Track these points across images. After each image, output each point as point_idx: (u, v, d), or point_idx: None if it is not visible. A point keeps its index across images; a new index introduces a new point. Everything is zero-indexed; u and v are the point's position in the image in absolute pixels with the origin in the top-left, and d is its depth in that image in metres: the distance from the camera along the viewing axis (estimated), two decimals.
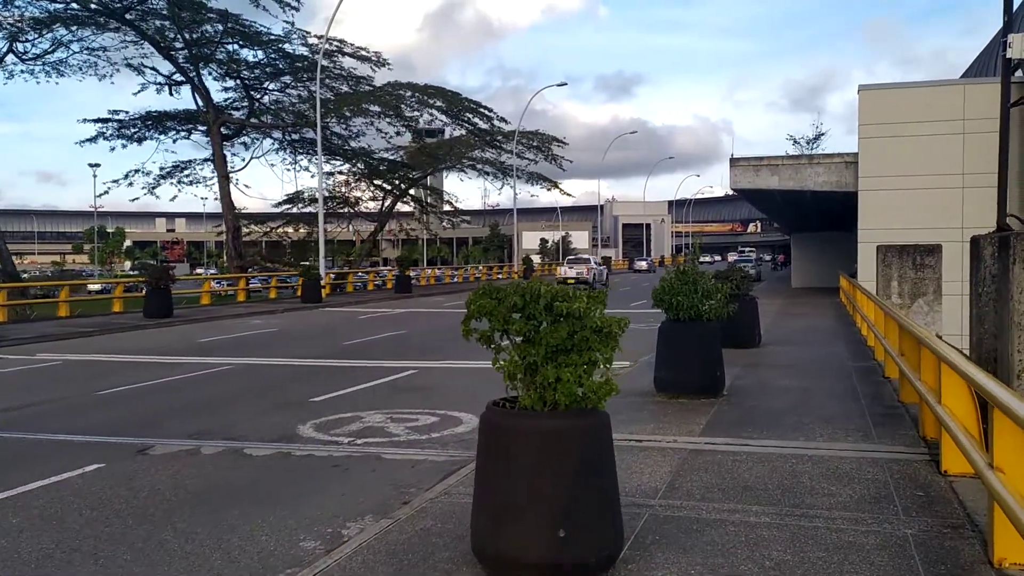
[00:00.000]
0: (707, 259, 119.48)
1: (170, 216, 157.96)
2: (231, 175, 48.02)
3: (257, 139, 51.08)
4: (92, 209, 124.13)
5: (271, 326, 24.58)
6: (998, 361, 6.97)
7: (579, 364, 4.56)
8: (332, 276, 45.30)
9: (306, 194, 59.03)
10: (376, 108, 46.27)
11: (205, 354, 17.67)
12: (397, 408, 11.13)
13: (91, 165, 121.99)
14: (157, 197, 77.48)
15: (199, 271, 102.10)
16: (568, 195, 70.02)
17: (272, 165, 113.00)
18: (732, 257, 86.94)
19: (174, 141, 49.57)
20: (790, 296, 36.30)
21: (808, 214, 42.70)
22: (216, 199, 49.12)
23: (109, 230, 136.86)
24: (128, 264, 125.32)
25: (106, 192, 79.65)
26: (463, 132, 56.79)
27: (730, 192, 47.66)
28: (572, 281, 47.06)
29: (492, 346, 4.91)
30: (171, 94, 47.79)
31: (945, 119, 28.94)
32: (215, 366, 15.71)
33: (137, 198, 64.89)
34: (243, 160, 64.16)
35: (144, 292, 26.96)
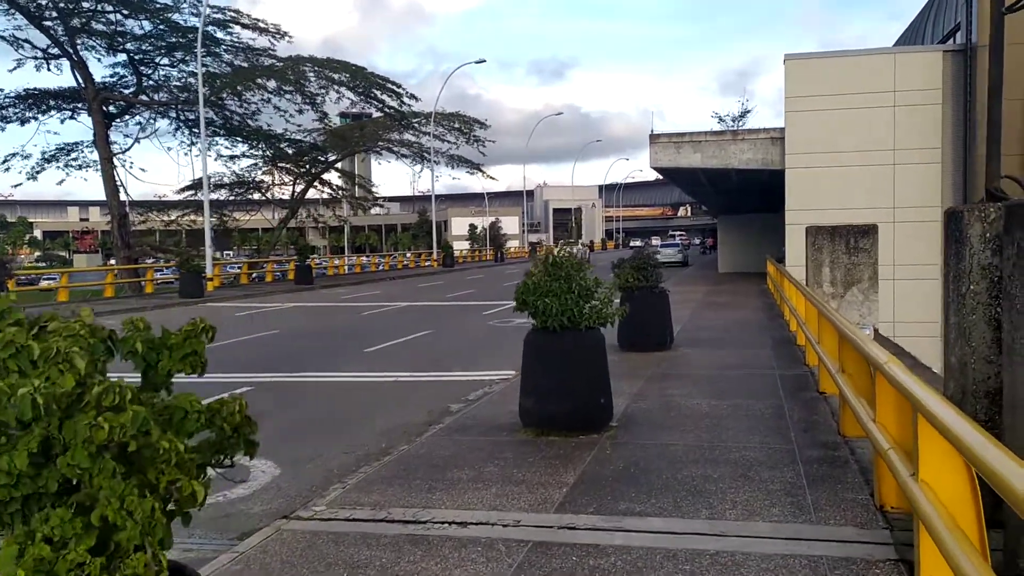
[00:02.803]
0: (637, 243, 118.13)
1: (83, 205, 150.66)
2: (118, 157, 44.08)
3: (152, 119, 47.08)
4: (1, 197, 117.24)
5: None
6: (1003, 401, 4.38)
7: None
8: (222, 267, 41.82)
9: (212, 179, 55.28)
10: (273, 83, 42.61)
11: None
12: None
13: (10, 155, 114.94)
14: (36, 180, 72.06)
15: (113, 261, 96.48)
16: (492, 179, 67.32)
17: (169, 148, 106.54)
18: (655, 241, 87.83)
19: (62, 122, 45.64)
20: (715, 282, 34.13)
21: (734, 195, 40.63)
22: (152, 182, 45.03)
23: (10, 220, 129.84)
24: (36, 255, 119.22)
25: None
26: (379, 113, 53.45)
27: (661, 176, 45.46)
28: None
29: None
30: (49, 69, 43.57)
31: (875, 91, 26.94)
32: None
33: (20, 184, 59.94)
34: (136, 142, 59.93)
35: None
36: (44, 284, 54.45)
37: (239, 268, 46.00)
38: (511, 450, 7.27)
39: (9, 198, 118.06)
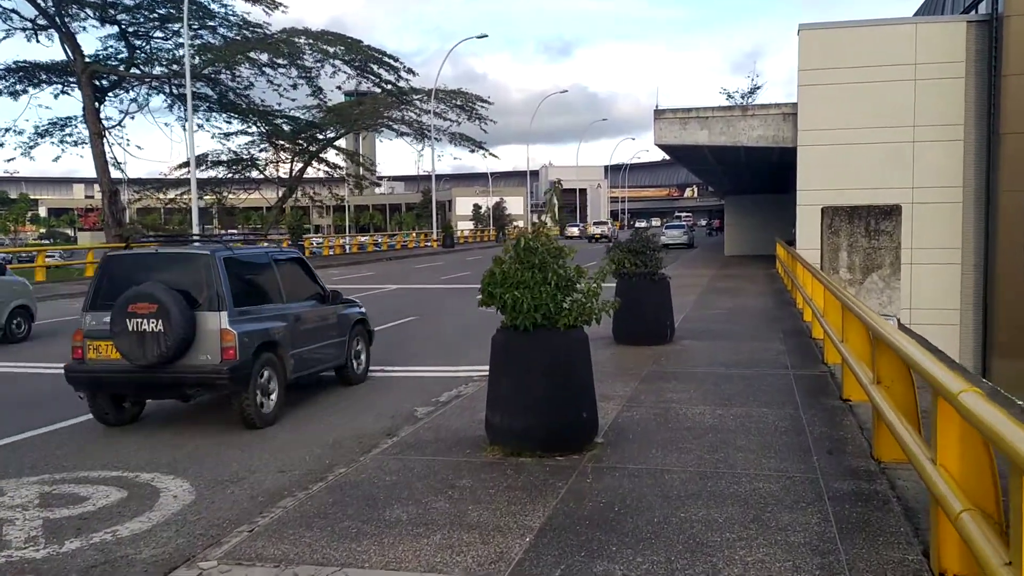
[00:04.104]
0: (643, 225, 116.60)
1: (89, 182, 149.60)
2: (111, 133, 42.96)
3: (148, 95, 45.81)
4: (7, 175, 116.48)
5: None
6: None
7: None
8: None
9: (210, 157, 54.08)
10: (265, 57, 41.15)
11: None
12: (83, 470, 6.92)
13: (2, 129, 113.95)
14: (32, 159, 70.83)
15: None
16: (494, 156, 65.51)
17: (166, 124, 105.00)
18: (655, 223, 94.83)
19: (56, 97, 44.20)
20: (721, 266, 32.71)
21: (742, 174, 39.12)
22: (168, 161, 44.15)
23: (13, 196, 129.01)
24: (41, 231, 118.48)
25: None
26: (379, 91, 51.86)
27: (667, 157, 43.99)
28: (599, 235, 69.04)
29: None
30: (38, 41, 42.32)
31: (894, 63, 25.40)
32: None
33: (13, 159, 59.05)
34: (130, 117, 58.86)
35: None
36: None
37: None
38: (470, 476, 5.95)
39: (14, 175, 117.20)
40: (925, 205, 25.28)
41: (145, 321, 7.72)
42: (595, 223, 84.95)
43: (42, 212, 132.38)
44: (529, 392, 6.28)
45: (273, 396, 8.46)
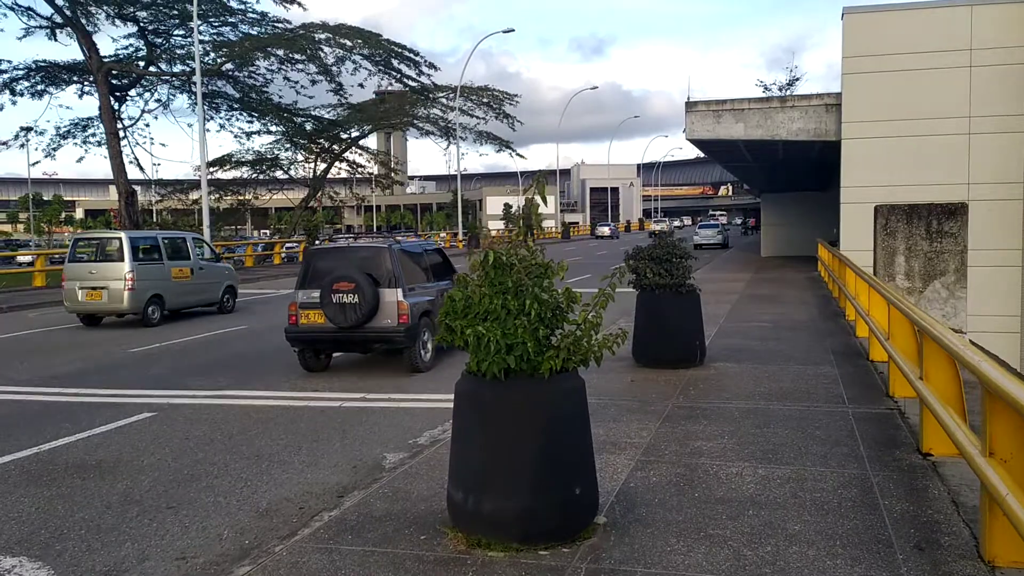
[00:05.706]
0: (676, 224, 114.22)
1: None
2: (133, 132, 42.39)
3: (171, 95, 45.03)
4: (46, 176, 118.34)
5: (60, 321, 18.49)
6: None
7: None
8: (223, 248, 39.78)
9: (234, 157, 53.32)
10: (282, 52, 39.89)
11: None
12: None
13: (23, 128, 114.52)
14: (53, 158, 70.74)
15: None
16: (521, 157, 63.53)
17: (189, 125, 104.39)
18: (686, 221, 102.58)
19: (80, 96, 43.62)
20: (758, 268, 30.71)
21: (779, 170, 37.03)
22: (189, 163, 43.67)
23: (47, 198, 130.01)
24: (78, 232, 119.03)
25: None
26: (403, 86, 50.43)
27: (701, 154, 42.03)
28: (659, 232, 73.05)
29: None
30: (55, 39, 41.69)
31: (948, 49, 23.34)
32: None
33: (38, 162, 58.80)
34: (154, 116, 57.64)
35: None
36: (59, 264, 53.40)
37: (255, 249, 43.71)
38: None
39: (52, 176, 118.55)
40: (982, 203, 23.18)
41: (345, 295, 10.47)
42: (655, 221, 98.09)
43: (79, 213, 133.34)
44: (502, 463, 4.57)
45: (429, 351, 11.33)
